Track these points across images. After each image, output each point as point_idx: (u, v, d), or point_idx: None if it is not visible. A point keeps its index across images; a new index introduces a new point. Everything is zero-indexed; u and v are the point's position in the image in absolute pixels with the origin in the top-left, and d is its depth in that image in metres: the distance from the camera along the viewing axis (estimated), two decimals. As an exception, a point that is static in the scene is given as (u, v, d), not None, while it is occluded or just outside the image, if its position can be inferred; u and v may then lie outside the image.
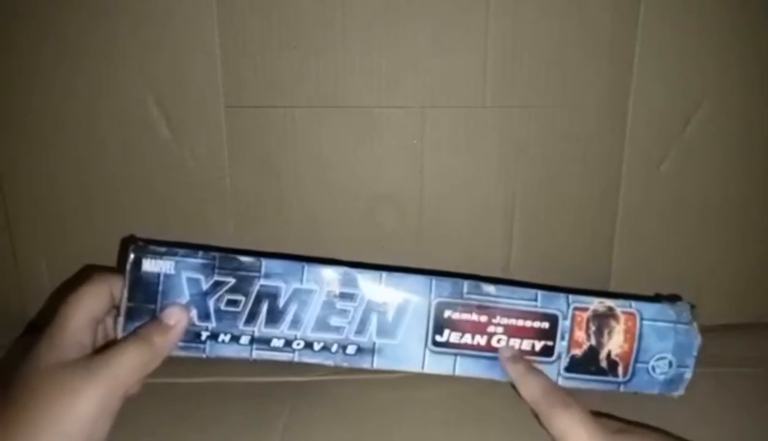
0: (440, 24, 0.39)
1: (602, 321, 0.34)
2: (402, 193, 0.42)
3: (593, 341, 0.34)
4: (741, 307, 0.48)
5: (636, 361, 0.34)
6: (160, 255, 0.32)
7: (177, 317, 0.32)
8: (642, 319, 0.34)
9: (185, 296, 0.32)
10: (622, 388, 0.35)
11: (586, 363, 0.34)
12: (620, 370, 0.34)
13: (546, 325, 0.34)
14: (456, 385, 0.37)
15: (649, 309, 0.34)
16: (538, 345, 0.34)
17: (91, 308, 0.31)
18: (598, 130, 0.42)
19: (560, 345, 0.34)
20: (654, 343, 0.34)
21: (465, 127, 0.41)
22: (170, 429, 0.34)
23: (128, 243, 0.33)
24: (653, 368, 0.34)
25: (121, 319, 0.32)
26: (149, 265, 0.32)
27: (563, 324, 0.34)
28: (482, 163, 0.42)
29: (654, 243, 0.44)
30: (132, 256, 0.32)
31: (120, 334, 0.32)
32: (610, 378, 0.34)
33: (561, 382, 0.34)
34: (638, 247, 0.44)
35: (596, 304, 0.34)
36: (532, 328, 0.34)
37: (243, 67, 0.39)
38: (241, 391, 0.38)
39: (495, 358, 0.34)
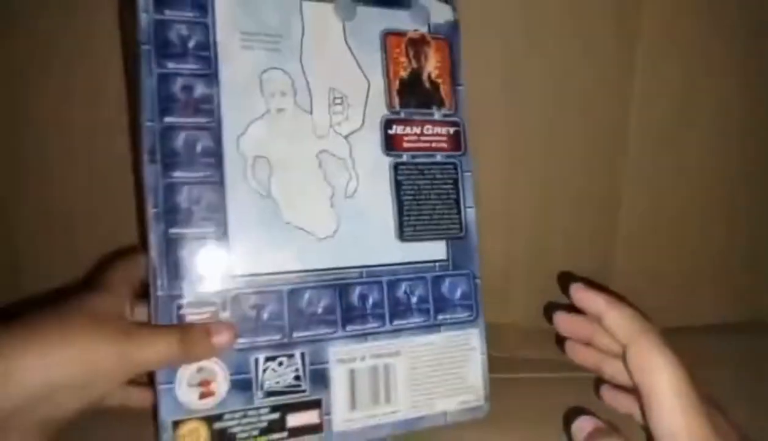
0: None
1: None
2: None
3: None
4: (741, 307, 0.46)
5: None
6: None
7: (227, 337, 0.28)
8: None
9: None
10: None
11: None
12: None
13: None
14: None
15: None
16: None
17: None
18: (601, 131, 0.42)
19: None
20: None
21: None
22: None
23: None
24: None
25: None
26: None
27: None
28: (484, 162, 0.40)
29: (656, 243, 0.44)
30: None
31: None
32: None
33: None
34: (640, 247, 0.44)
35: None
36: None
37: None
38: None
39: None
